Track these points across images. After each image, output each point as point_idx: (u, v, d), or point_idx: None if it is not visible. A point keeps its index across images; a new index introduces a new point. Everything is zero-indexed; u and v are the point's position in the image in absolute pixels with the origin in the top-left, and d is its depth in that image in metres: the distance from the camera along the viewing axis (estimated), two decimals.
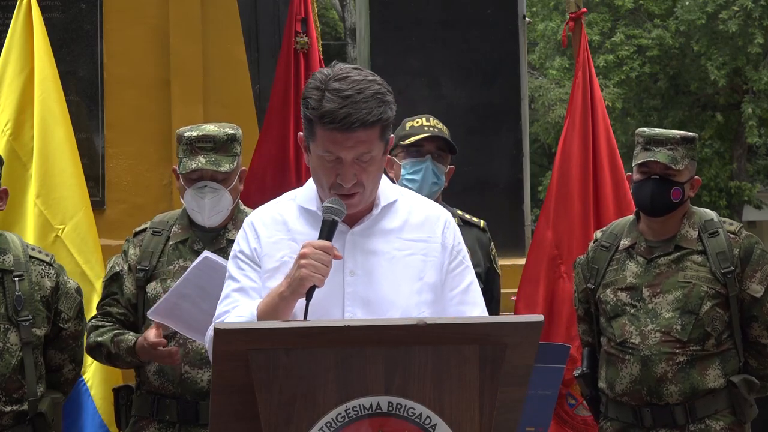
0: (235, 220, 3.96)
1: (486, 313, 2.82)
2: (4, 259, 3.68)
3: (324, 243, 2.60)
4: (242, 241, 2.79)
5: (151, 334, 3.69)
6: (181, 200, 3.99)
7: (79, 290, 3.87)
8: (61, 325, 3.77)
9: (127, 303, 3.94)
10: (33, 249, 3.80)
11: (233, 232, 3.90)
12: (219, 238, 3.95)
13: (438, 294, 2.75)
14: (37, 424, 3.66)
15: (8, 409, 3.61)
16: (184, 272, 3.84)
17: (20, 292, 3.65)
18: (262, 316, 2.64)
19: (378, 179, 2.73)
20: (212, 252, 3.88)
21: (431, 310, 2.71)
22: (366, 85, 2.62)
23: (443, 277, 2.77)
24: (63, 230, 4.58)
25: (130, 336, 3.84)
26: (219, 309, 2.77)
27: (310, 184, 2.79)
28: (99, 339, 3.89)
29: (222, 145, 3.89)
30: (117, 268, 3.98)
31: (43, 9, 4.88)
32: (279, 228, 2.77)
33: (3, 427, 3.60)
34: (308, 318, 2.56)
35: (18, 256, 3.70)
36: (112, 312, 3.94)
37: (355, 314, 2.66)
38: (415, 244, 2.76)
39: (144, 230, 4.03)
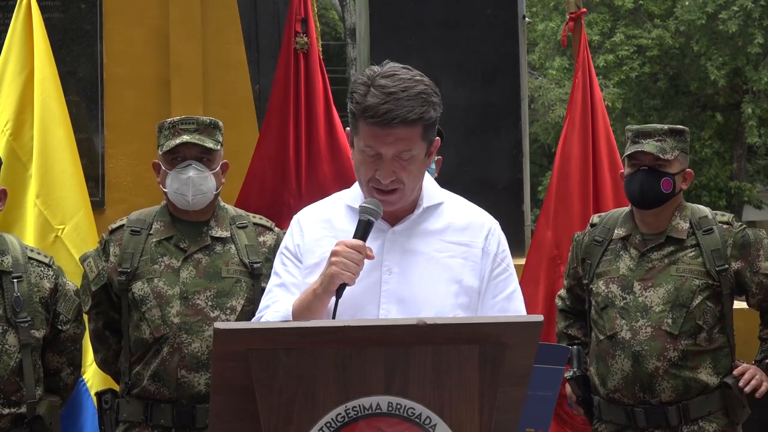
0: (216, 216, 3.91)
1: None
2: (2, 261, 3.66)
3: (356, 242, 2.61)
4: (288, 237, 2.84)
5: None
6: (163, 189, 3.87)
7: (78, 292, 3.85)
8: (60, 328, 3.75)
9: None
10: (32, 250, 3.78)
11: (216, 229, 3.88)
12: (203, 235, 3.87)
13: (474, 299, 2.74)
14: (35, 428, 3.64)
15: (6, 411, 3.59)
16: (171, 271, 3.81)
17: (19, 294, 3.63)
18: (296, 312, 2.68)
19: (419, 179, 2.73)
20: (198, 250, 3.84)
21: (466, 313, 2.71)
22: (411, 84, 2.65)
23: (485, 283, 2.76)
24: (63, 230, 4.58)
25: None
26: (261, 303, 2.82)
27: (357, 184, 2.81)
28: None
29: (205, 128, 3.85)
30: (93, 272, 3.92)
31: (43, 9, 4.88)
32: (323, 225, 2.79)
33: (1, 429, 3.58)
34: (340, 315, 2.59)
35: (17, 257, 3.68)
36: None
37: (390, 312, 2.68)
38: (456, 247, 2.75)
39: (121, 227, 3.94)
